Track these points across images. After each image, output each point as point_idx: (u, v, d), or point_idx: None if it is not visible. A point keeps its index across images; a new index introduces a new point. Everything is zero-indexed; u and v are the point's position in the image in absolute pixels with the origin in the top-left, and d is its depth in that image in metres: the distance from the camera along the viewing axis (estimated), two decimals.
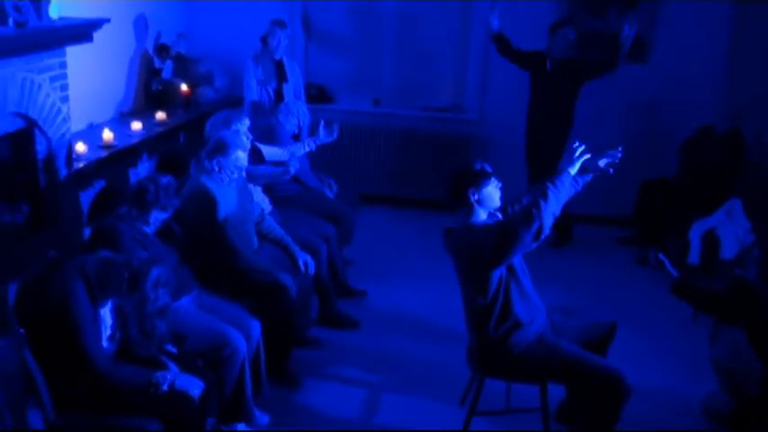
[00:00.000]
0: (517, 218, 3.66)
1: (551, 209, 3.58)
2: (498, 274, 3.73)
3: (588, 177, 4.06)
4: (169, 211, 4.12)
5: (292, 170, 5.28)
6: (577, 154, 3.74)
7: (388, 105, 7.88)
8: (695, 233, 5.92)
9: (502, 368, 3.94)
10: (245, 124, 5.24)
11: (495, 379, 4.03)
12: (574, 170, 3.75)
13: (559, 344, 3.85)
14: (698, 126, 6.78)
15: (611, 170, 4.00)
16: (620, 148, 3.98)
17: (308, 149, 5.94)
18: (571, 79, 6.59)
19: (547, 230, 3.59)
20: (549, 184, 3.63)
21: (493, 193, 3.86)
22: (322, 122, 6.01)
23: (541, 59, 6.64)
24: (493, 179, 3.86)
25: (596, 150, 3.92)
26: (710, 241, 5.79)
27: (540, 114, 6.72)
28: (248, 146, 5.16)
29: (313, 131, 6.06)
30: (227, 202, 4.59)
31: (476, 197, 3.82)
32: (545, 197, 3.57)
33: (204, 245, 4.51)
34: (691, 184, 6.64)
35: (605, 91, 7.23)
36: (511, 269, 3.79)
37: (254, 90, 6.65)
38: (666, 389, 4.79)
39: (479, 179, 3.83)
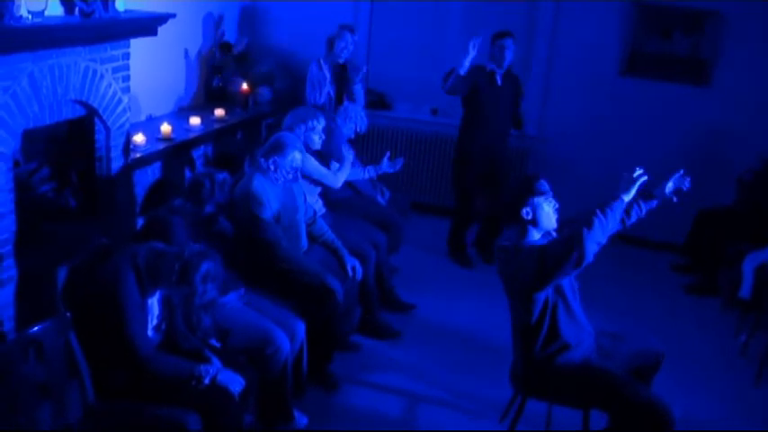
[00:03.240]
0: (559, 245, 3.50)
1: (596, 238, 3.42)
2: (544, 295, 3.64)
3: (653, 204, 3.98)
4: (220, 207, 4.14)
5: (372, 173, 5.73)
6: (636, 175, 3.54)
7: (446, 116, 7.82)
8: (748, 266, 5.79)
9: (545, 389, 3.86)
10: (321, 122, 5.28)
11: (538, 399, 3.96)
12: (629, 197, 3.55)
13: (605, 369, 3.76)
14: (758, 156, 6.65)
15: (676, 198, 3.92)
16: (685, 175, 3.91)
17: (367, 176, 6.01)
18: (513, 94, 6.55)
19: (589, 258, 3.43)
20: (599, 212, 3.45)
21: (549, 213, 3.71)
22: (387, 153, 6.05)
23: (487, 74, 6.41)
24: (550, 199, 3.71)
25: (655, 176, 3.82)
26: (763, 275, 5.66)
27: (490, 127, 6.53)
28: (319, 146, 5.22)
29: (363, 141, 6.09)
30: (279, 202, 4.60)
31: (530, 217, 3.68)
32: (590, 226, 3.40)
33: (254, 243, 4.52)
34: (748, 215, 6.50)
35: (664, 113, 7.13)
36: (559, 291, 3.68)
37: (315, 92, 6.64)
38: (710, 423, 4.66)
39: (536, 198, 3.68)
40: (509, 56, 6.38)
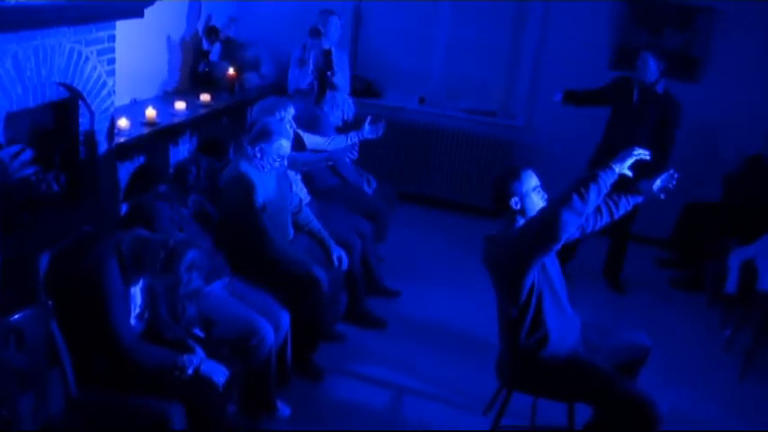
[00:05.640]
0: (535, 222, 3.46)
1: (576, 211, 3.33)
2: (530, 281, 3.59)
3: (640, 199, 3.97)
4: (205, 194, 4.09)
5: (335, 156, 5.31)
6: (635, 153, 3.52)
7: (434, 105, 7.81)
8: (734, 261, 5.79)
9: (531, 382, 3.83)
10: (289, 112, 5.18)
11: (523, 393, 3.93)
12: (620, 169, 3.49)
13: (592, 363, 3.73)
14: (746, 154, 6.65)
15: (663, 195, 3.91)
16: (675, 174, 3.89)
17: (350, 142, 5.83)
18: (657, 115, 5.86)
19: (569, 231, 3.37)
20: (579, 186, 3.35)
21: (538, 204, 3.67)
22: (369, 118, 5.90)
23: (627, 88, 5.91)
24: (539, 188, 3.69)
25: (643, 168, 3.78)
26: (749, 271, 5.66)
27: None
28: (291, 135, 5.13)
29: (357, 125, 5.95)
30: (265, 190, 4.55)
31: (519, 207, 3.65)
32: (567, 203, 3.32)
33: (239, 231, 4.47)
34: (735, 210, 6.50)
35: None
36: (546, 275, 3.65)
37: (298, 78, 6.58)
38: (696, 417, 4.67)
39: (525, 187, 3.65)
40: (648, 72, 5.80)
